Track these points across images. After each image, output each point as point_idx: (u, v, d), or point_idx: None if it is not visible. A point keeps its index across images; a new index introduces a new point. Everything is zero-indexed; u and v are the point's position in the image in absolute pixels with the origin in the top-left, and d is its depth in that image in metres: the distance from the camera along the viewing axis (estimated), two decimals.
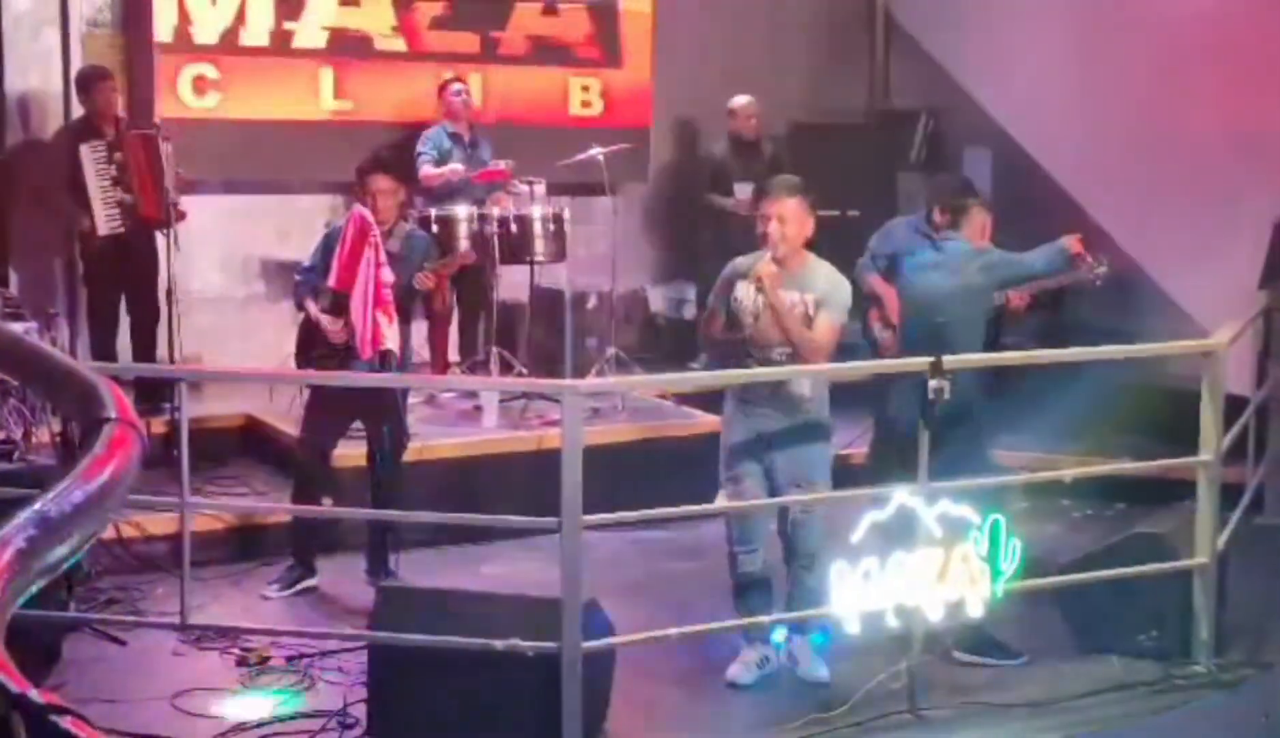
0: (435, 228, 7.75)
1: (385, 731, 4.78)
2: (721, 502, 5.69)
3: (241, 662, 5.43)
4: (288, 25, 9.09)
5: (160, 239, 7.60)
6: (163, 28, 8.58)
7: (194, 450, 5.19)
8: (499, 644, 4.58)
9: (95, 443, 1.66)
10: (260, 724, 4.94)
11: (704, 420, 7.39)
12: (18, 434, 5.92)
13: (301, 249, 6.98)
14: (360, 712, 4.89)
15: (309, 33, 9.16)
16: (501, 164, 8.42)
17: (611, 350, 8.51)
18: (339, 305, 6.19)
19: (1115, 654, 5.56)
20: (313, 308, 6.28)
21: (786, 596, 5.41)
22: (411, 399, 7.08)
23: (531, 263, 8.31)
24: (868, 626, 5.00)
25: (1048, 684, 5.36)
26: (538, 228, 8.07)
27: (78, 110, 7.96)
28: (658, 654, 5.39)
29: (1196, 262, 8.32)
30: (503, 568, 6.60)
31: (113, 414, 1.71)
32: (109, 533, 5.99)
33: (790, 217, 5.25)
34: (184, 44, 8.71)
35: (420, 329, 8.02)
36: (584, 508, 4.65)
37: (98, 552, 5.97)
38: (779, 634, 5.42)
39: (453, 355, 8.66)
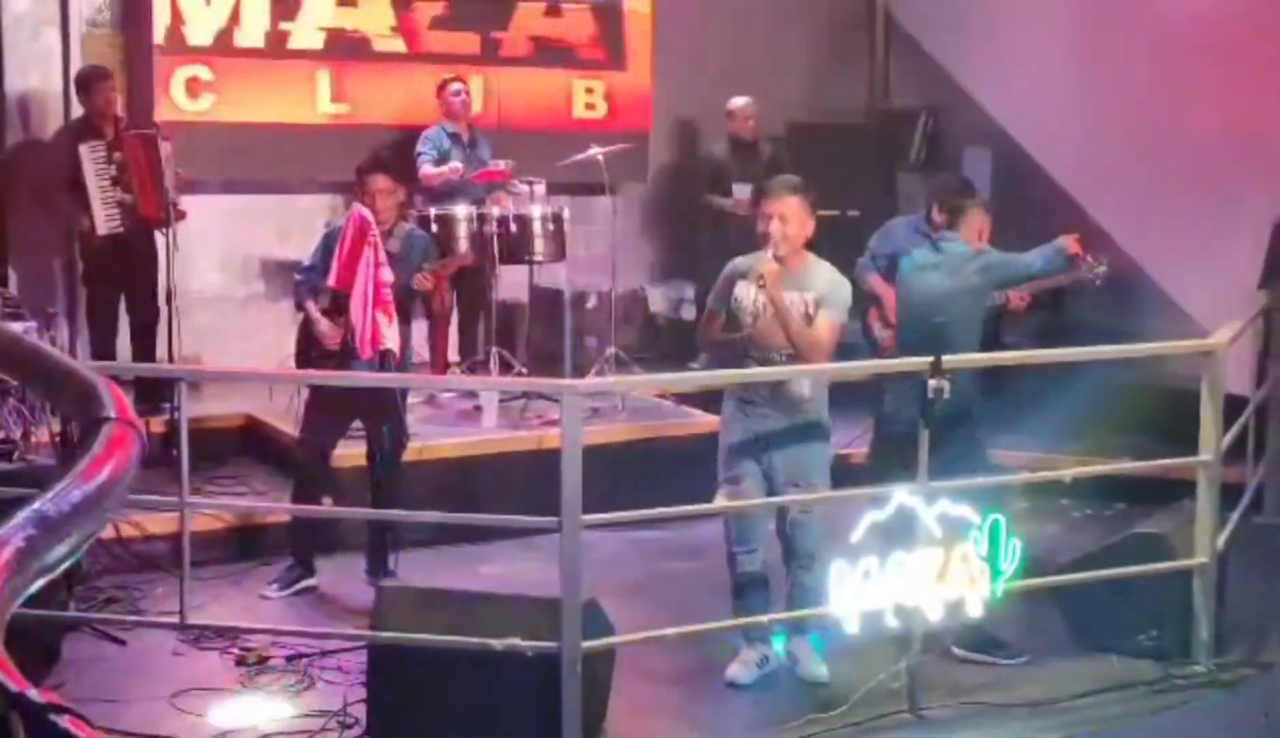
0: (435, 227, 7.74)
1: (385, 731, 4.78)
2: (720, 502, 5.69)
3: (241, 662, 5.43)
4: (284, 26, 8.95)
5: (160, 239, 7.60)
6: (155, 28, 8.47)
7: (193, 450, 5.19)
8: (498, 644, 4.58)
9: (94, 442, 1.66)
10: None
11: (703, 420, 7.39)
12: (17, 434, 5.92)
13: (301, 249, 6.98)
14: (360, 712, 4.89)
15: (305, 33, 9.01)
16: (501, 164, 8.42)
17: (611, 350, 8.51)
18: (339, 305, 6.20)
19: (1115, 654, 5.57)
20: (312, 308, 6.28)
21: (786, 596, 5.41)
22: (411, 399, 7.08)
23: (531, 263, 8.31)
24: (867, 625, 5.00)
25: (1047, 684, 5.36)
26: (537, 228, 8.06)
27: (77, 110, 7.96)
28: (657, 654, 5.39)
29: (1196, 261, 8.32)
30: (502, 568, 6.60)
31: (112, 414, 1.71)
32: (109, 532, 5.99)
33: (791, 215, 5.25)
34: (177, 45, 8.57)
35: (420, 329, 8.02)
36: (584, 508, 4.65)
37: (97, 551, 5.97)
38: (779, 645, 5.42)
39: (452, 355, 8.66)
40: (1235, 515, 6.12)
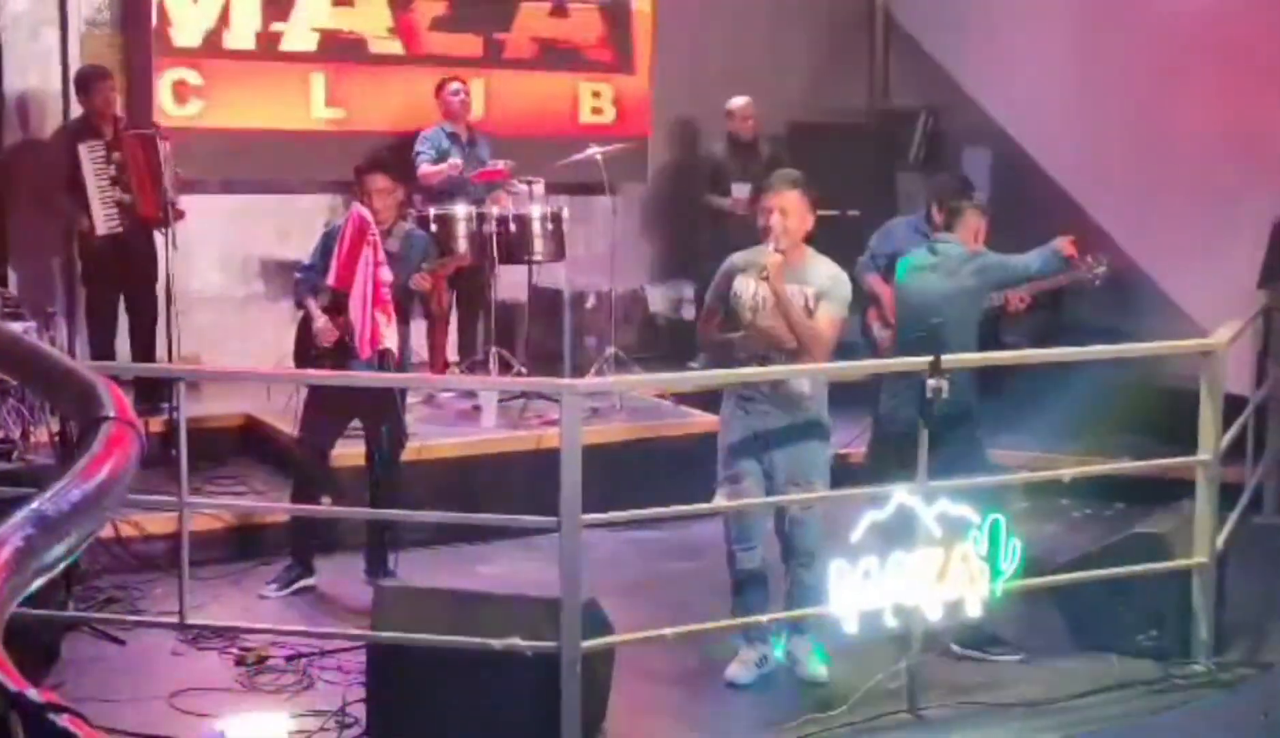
0: (434, 227, 7.74)
1: (384, 730, 4.78)
2: (720, 501, 5.69)
3: (240, 661, 5.44)
4: (275, 26, 8.66)
5: (159, 239, 7.60)
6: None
7: (193, 450, 5.19)
8: (498, 644, 4.58)
9: (93, 442, 1.66)
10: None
11: (702, 420, 7.39)
12: (16, 434, 5.92)
13: (301, 249, 6.98)
14: (359, 712, 4.89)
15: (298, 34, 8.72)
16: (500, 164, 8.41)
17: (610, 350, 8.51)
18: (338, 304, 6.20)
19: (1114, 654, 5.57)
20: (313, 305, 6.28)
21: (785, 595, 5.41)
22: (410, 399, 7.08)
23: (530, 262, 8.31)
24: (867, 625, 5.00)
25: (1047, 684, 5.36)
26: (536, 227, 8.06)
27: (77, 110, 7.96)
28: (656, 654, 5.39)
29: (1196, 261, 8.33)
30: (502, 568, 6.60)
31: (111, 413, 1.71)
32: (108, 532, 5.99)
33: (791, 209, 5.25)
34: (163, 46, 8.34)
35: (419, 329, 8.02)
36: (583, 507, 4.65)
37: (96, 551, 5.97)
38: (779, 649, 5.41)
39: (451, 355, 8.65)
40: (1234, 515, 6.13)
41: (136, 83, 8.51)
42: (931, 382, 4.92)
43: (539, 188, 8.48)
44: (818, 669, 5.36)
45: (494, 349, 8.11)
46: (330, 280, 6.20)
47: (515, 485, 6.64)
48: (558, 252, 8.17)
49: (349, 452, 6.51)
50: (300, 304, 6.41)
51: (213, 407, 7.62)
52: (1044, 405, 7.32)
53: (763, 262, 5.19)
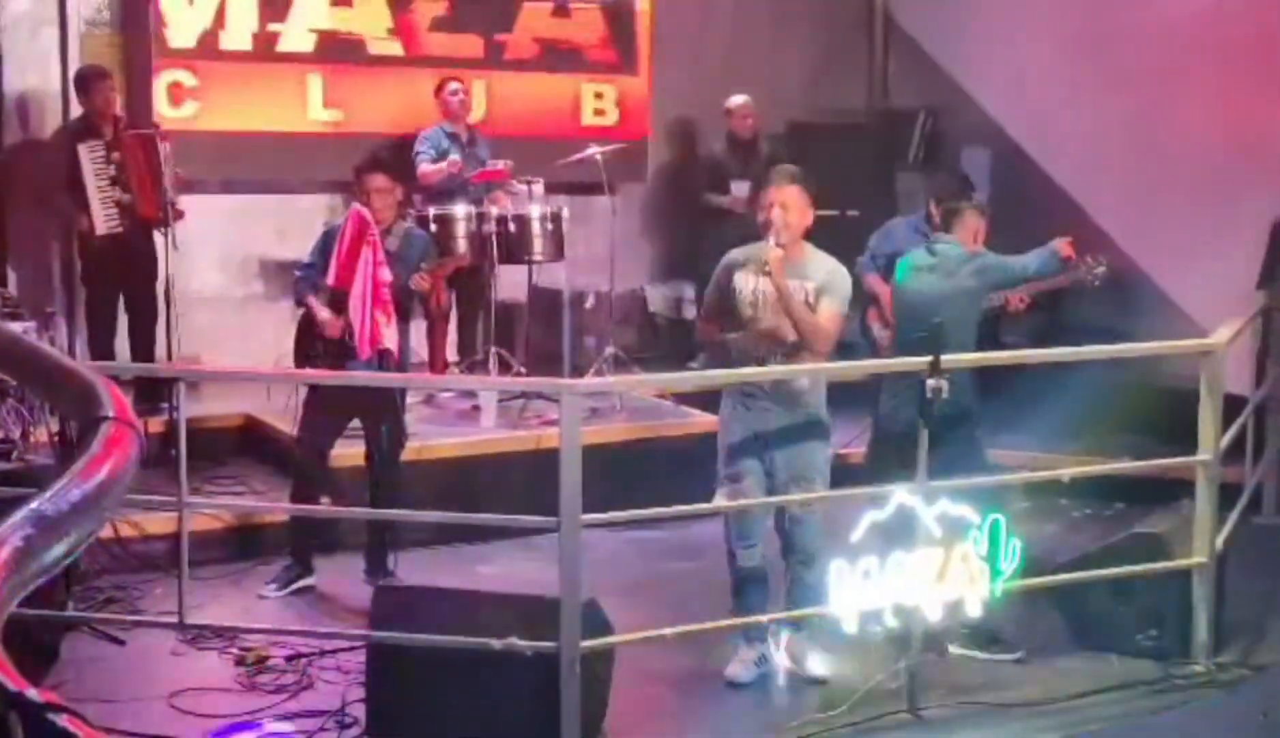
0: (434, 227, 7.73)
1: (384, 730, 4.78)
2: (719, 500, 5.68)
3: (240, 661, 5.43)
4: (272, 27, 8.57)
5: (159, 239, 7.60)
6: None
7: (192, 450, 5.19)
8: (497, 644, 4.58)
9: (93, 442, 1.66)
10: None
11: (702, 420, 7.39)
12: (16, 434, 5.92)
13: (300, 249, 6.98)
14: (359, 711, 4.89)
15: (296, 35, 8.63)
16: (500, 163, 8.41)
17: (610, 350, 8.51)
18: (337, 304, 6.19)
19: (1114, 654, 5.57)
20: (313, 301, 6.27)
21: (785, 593, 5.41)
22: (410, 399, 7.07)
23: (530, 262, 8.30)
24: (867, 625, 5.00)
25: (1047, 684, 5.36)
26: (536, 227, 8.06)
27: (76, 110, 7.95)
28: (656, 654, 5.39)
29: (1195, 261, 8.33)
30: (501, 568, 6.60)
31: (110, 413, 1.71)
32: (107, 532, 5.99)
33: (792, 204, 5.26)
34: (158, 48, 8.25)
35: (419, 329, 8.02)
36: (582, 507, 4.65)
37: (96, 551, 5.97)
38: (775, 651, 5.41)
39: (451, 355, 8.65)
40: (1234, 515, 6.13)
41: (136, 83, 8.50)
42: (931, 382, 4.93)
43: (538, 188, 8.48)
44: (818, 669, 5.36)
45: (494, 349, 8.11)
46: (330, 280, 6.20)
47: (515, 485, 6.64)
48: (557, 252, 8.17)
49: (349, 452, 6.51)
50: (301, 301, 6.40)
51: (212, 407, 7.62)
52: (1044, 405, 7.32)
53: (764, 256, 5.19)
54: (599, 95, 9.63)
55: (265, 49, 8.60)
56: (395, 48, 9.00)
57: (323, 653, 5.43)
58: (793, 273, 5.23)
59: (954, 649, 5.51)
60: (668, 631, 5.12)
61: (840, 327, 5.35)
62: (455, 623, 4.72)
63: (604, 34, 9.57)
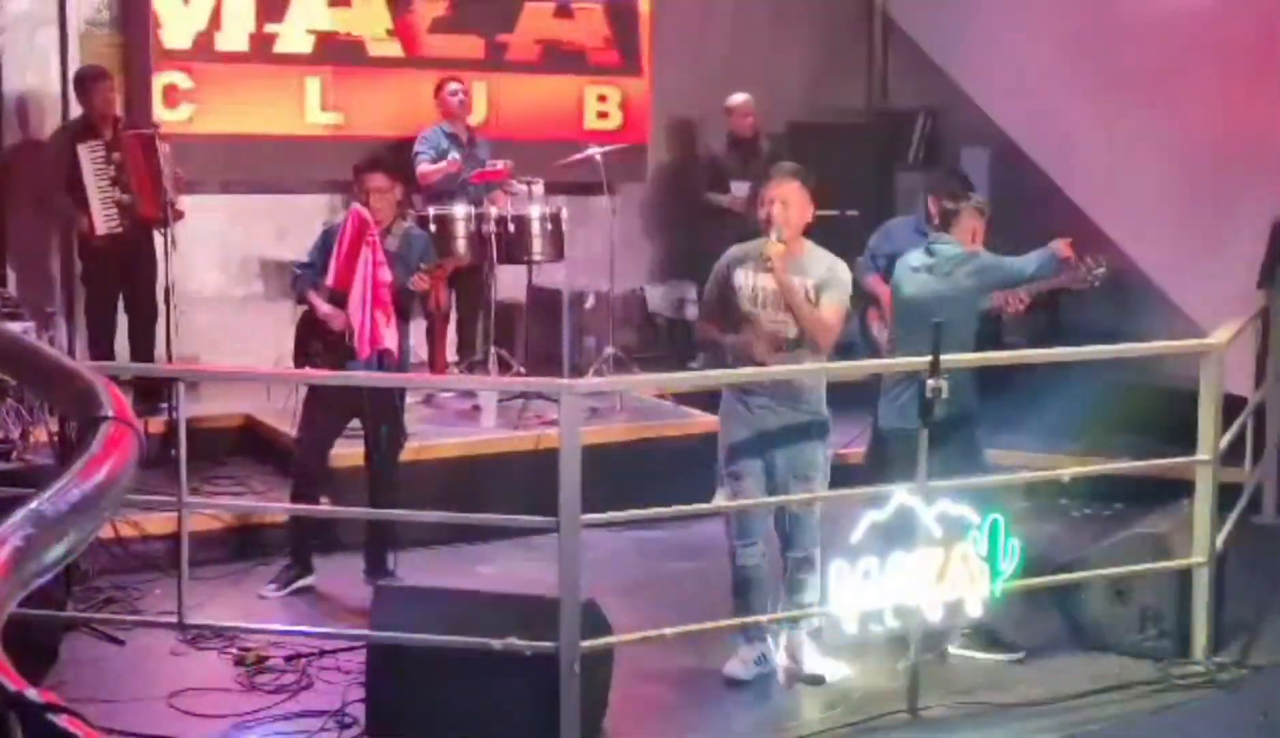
0: (433, 227, 7.73)
1: (383, 730, 4.78)
2: (719, 499, 5.68)
3: (239, 661, 5.43)
4: (270, 28, 8.47)
5: (158, 239, 7.59)
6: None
7: (192, 450, 5.19)
8: (497, 644, 4.58)
9: (92, 442, 1.66)
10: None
11: (702, 420, 7.39)
12: (15, 434, 5.92)
13: (300, 248, 6.98)
14: (358, 712, 4.89)
15: (294, 36, 8.53)
16: (499, 164, 8.40)
17: (609, 350, 8.51)
18: (337, 304, 6.19)
19: (1114, 654, 5.57)
20: (314, 296, 6.26)
21: (784, 591, 5.40)
22: (410, 399, 7.06)
23: (529, 263, 8.30)
24: (867, 625, 5.00)
25: (1046, 684, 5.36)
26: (535, 228, 8.06)
27: (76, 110, 7.95)
28: (656, 654, 5.39)
29: (1195, 262, 8.33)
30: (501, 568, 6.60)
31: (110, 413, 1.71)
32: (107, 532, 5.98)
33: (793, 200, 5.27)
34: (153, 49, 8.16)
35: (418, 329, 8.02)
36: (582, 507, 4.65)
37: (96, 551, 5.97)
38: (775, 650, 5.41)
39: (451, 355, 8.65)
40: (1234, 515, 6.13)
41: (136, 83, 8.50)
42: (931, 382, 4.93)
43: (538, 188, 8.47)
44: (818, 669, 5.36)
45: (493, 349, 8.11)
46: (330, 280, 6.20)
47: (515, 485, 6.63)
48: (557, 252, 8.17)
49: (349, 452, 6.51)
50: (302, 298, 6.40)
51: (212, 407, 7.62)
52: (1044, 405, 7.32)
53: (766, 251, 5.19)
54: (602, 97, 9.56)
55: (262, 50, 8.50)
56: (395, 49, 8.92)
57: (322, 653, 5.43)
58: (793, 269, 5.23)
59: (954, 649, 5.51)
60: (668, 631, 5.12)
61: (843, 319, 5.35)
62: (455, 623, 4.72)
63: (607, 35, 9.50)
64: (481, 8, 9.16)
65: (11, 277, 8.20)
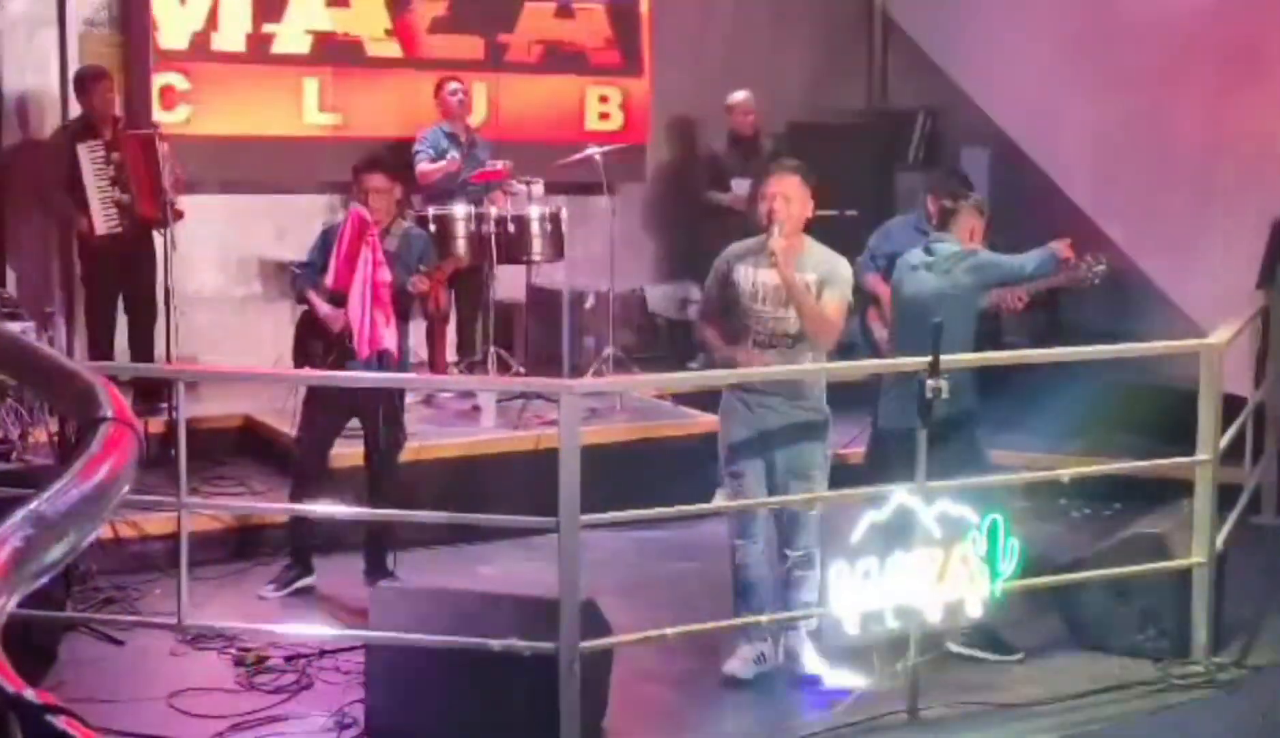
0: (433, 227, 7.73)
1: (382, 731, 4.78)
2: (719, 498, 5.67)
3: (239, 662, 5.43)
4: (267, 28, 8.42)
5: (158, 239, 7.59)
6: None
7: (191, 450, 5.18)
8: (496, 645, 4.58)
9: (92, 443, 1.66)
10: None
11: (702, 420, 7.39)
12: (15, 434, 5.92)
13: (299, 248, 6.99)
14: (357, 712, 4.89)
15: (291, 36, 8.48)
16: (499, 164, 8.40)
17: (609, 350, 8.51)
18: (337, 304, 6.19)
19: (1113, 654, 5.57)
20: (314, 296, 6.26)
21: (784, 591, 5.40)
22: (409, 399, 7.06)
23: (529, 263, 8.30)
24: (867, 626, 5.00)
25: (1046, 684, 5.36)
26: (535, 228, 8.06)
27: (75, 110, 7.95)
28: (655, 654, 5.39)
29: (1194, 261, 8.33)
30: (501, 568, 6.60)
31: (109, 414, 1.71)
32: (106, 533, 5.98)
33: (793, 195, 5.27)
34: (150, 50, 8.13)
35: (418, 329, 8.02)
36: (582, 508, 4.65)
37: (95, 552, 5.96)
38: (775, 650, 5.41)
39: (450, 355, 8.65)
40: (1233, 515, 6.13)
41: (135, 83, 8.49)
42: (930, 382, 4.92)
43: (538, 188, 8.46)
44: (817, 669, 5.36)
45: (493, 349, 8.11)
46: (329, 280, 6.19)
47: (514, 486, 6.63)
48: (556, 252, 8.17)
49: (348, 452, 6.50)
50: (302, 297, 6.39)
51: (211, 407, 7.61)
52: (1043, 405, 7.32)
53: (770, 245, 5.19)
54: (603, 98, 9.52)
55: (260, 51, 8.45)
56: (393, 49, 8.87)
57: (322, 653, 5.43)
58: (794, 265, 5.23)
59: (954, 650, 5.51)
60: (668, 631, 5.12)
61: (844, 314, 5.35)
62: (454, 624, 4.72)
63: (608, 35, 9.46)
64: (481, 8, 9.11)
65: (11, 277, 8.20)
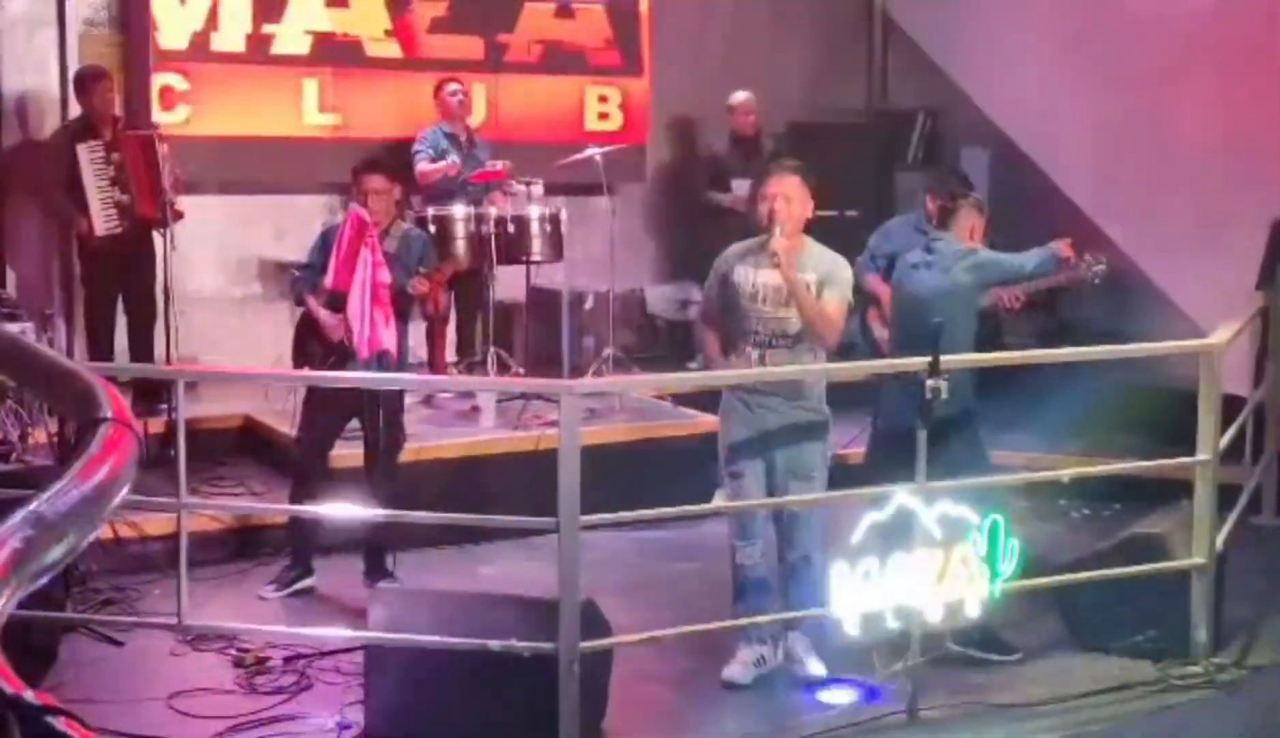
0: (432, 228, 7.73)
1: (382, 732, 4.77)
2: (719, 498, 5.66)
3: (238, 663, 5.42)
4: (267, 29, 8.42)
5: (158, 239, 7.59)
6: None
7: (191, 451, 5.17)
8: (496, 645, 4.58)
9: (91, 443, 1.66)
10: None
11: (702, 421, 7.39)
12: (14, 435, 5.92)
13: (299, 249, 6.99)
14: (357, 713, 4.88)
15: (291, 37, 8.48)
16: (498, 164, 8.40)
17: (609, 351, 8.51)
18: (336, 305, 6.19)
19: (1113, 654, 5.56)
20: (313, 301, 6.26)
21: (784, 592, 5.40)
22: (409, 399, 7.06)
23: (528, 263, 8.30)
24: (867, 626, 4.99)
25: (1046, 684, 5.35)
26: (535, 228, 8.06)
27: (75, 110, 7.95)
28: (655, 655, 5.39)
29: (1194, 261, 8.33)
30: (500, 569, 6.60)
31: (109, 415, 1.71)
32: (106, 533, 5.98)
33: (794, 195, 5.27)
34: (150, 50, 8.10)
35: (418, 330, 8.02)
36: (582, 508, 4.64)
37: (95, 552, 5.96)
38: (775, 651, 5.40)
39: (450, 355, 8.65)
40: (1233, 516, 6.12)
41: (135, 83, 8.49)
42: (930, 382, 4.92)
43: (537, 189, 8.46)
44: (817, 669, 5.35)
45: (492, 350, 8.11)
46: (329, 282, 6.19)
47: (514, 486, 6.61)
48: (556, 252, 8.17)
49: (348, 452, 6.50)
50: (301, 301, 6.39)
51: (211, 407, 7.61)
52: (1044, 405, 7.32)
53: (772, 245, 5.19)
54: (603, 98, 9.51)
55: (259, 51, 8.45)
56: (393, 49, 8.86)
57: (322, 654, 5.42)
58: (794, 265, 5.23)
59: (954, 650, 5.51)
60: (668, 631, 5.12)
61: (845, 317, 5.35)
62: (454, 624, 4.72)
63: (608, 35, 9.46)
64: (481, 8, 9.10)
65: (10, 277, 8.20)
